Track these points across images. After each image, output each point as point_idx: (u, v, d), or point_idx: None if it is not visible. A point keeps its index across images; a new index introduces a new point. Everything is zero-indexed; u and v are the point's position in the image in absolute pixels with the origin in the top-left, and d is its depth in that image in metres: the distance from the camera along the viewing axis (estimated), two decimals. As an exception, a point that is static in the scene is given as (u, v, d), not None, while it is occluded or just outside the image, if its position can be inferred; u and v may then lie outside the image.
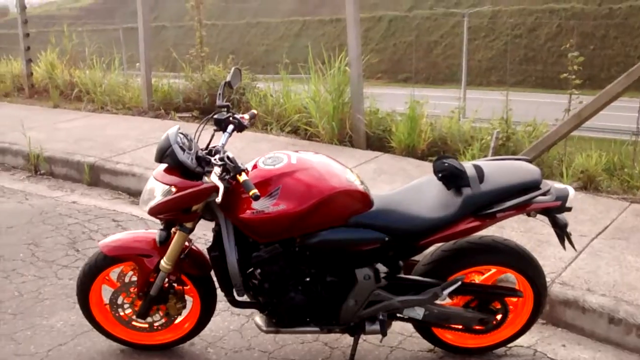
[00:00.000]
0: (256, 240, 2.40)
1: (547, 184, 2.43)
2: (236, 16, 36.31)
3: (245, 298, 2.55)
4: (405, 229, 2.39)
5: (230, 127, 2.49)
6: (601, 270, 3.16)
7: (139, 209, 2.63)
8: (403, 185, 2.63)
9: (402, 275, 2.54)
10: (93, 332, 2.79)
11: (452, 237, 2.44)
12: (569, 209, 2.41)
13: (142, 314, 2.63)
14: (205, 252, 2.55)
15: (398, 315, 2.55)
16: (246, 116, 2.63)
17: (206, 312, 2.70)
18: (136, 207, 4.43)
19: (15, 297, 3.23)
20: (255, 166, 2.42)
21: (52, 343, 2.83)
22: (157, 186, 2.38)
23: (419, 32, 32.16)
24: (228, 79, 2.59)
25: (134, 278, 2.62)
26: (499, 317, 2.62)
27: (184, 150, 2.32)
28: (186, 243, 2.55)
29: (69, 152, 5.47)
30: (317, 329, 2.54)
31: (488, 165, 2.51)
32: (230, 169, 2.24)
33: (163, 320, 2.70)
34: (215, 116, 2.50)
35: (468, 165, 2.45)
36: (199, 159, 2.37)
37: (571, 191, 2.41)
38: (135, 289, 2.61)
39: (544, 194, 2.37)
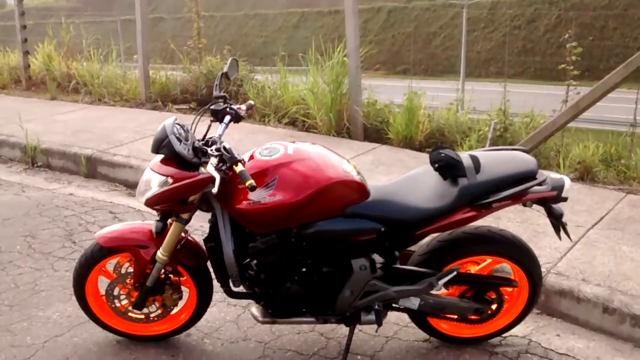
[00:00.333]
0: (252, 230, 2.41)
1: (543, 174, 2.43)
2: (234, 7, 36.23)
3: (241, 289, 2.55)
4: (401, 219, 2.40)
5: (227, 117, 2.49)
6: (596, 261, 3.17)
7: (136, 200, 2.63)
8: (399, 176, 2.63)
9: (398, 266, 2.55)
10: (89, 323, 2.80)
11: (448, 228, 2.44)
12: (565, 199, 2.41)
13: (138, 305, 2.63)
14: (201, 243, 2.55)
15: (394, 305, 2.56)
16: (243, 107, 2.63)
17: (202, 303, 2.71)
18: (133, 199, 4.43)
19: (11, 289, 3.24)
20: (251, 157, 2.41)
21: (48, 334, 2.84)
22: (154, 177, 2.38)
23: (417, 23, 32.09)
24: (225, 69, 2.59)
25: (130, 269, 2.62)
26: (494, 307, 2.63)
27: (180, 141, 2.32)
28: (182, 234, 2.55)
29: (66, 144, 5.47)
30: (313, 319, 2.55)
31: (484, 155, 2.51)
32: (227, 160, 2.24)
33: (159, 311, 2.70)
34: (212, 107, 2.50)
35: (464, 156, 2.45)
36: (195, 149, 2.36)
37: (567, 181, 2.42)
38: (132, 280, 2.61)
39: (540, 184, 2.38)
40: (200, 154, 2.35)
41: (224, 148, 2.26)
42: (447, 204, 2.37)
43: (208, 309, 2.77)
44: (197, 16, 7.64)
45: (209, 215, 2.50)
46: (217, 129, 2.44)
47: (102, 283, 2.70)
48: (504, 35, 28.91)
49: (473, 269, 2.64)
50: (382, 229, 2.39)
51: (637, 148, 4.75)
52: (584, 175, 4.52)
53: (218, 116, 2.48)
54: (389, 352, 2.71)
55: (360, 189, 2.41)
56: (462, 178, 2.39)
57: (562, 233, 2.48)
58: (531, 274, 2.56)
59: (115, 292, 2.67)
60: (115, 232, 2.59)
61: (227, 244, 2.39)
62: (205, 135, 2.47)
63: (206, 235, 2.50)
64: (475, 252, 2.56)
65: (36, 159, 5.48)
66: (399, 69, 26.35)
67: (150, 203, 2.38)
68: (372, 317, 2.50)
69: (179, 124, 2.38)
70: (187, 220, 2.48)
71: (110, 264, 2.67)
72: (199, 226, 3.52)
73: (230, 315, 3.00)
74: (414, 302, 2.52)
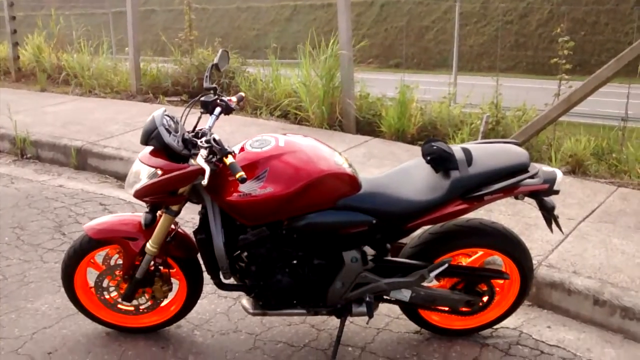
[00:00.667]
0: (243, 223, 2.39)
1: (535, 167, 2.42)
2: (226, 0, 36.00)
3: (232, 281, 2.54)
4: (392, 212, 2.39)
5: (217, 109, 2.46)
6: (587, 253, 3.18)
7: (125, 192, 2.61)
8: (391, 169, 2.62)
9: (390, 258, 2.54)
10: (78, 315, 2.78)
11: (440, 220, 2.44)
12: (557, 192, 2.41)
13: (128, 297, 2.61)
14: (192, 235, 2.53)
15: (385, 297, 2.56)
16: (234, 99, 2.60)
17: (193, 295, 2.69)
18: (124, 191, 4.36)
19: None
20: (242, 149, 2.39)
21: (36, 326, 2.81)
22: (143, 169, 2.36)
23: (410, 17, 32.05)
24: (215, 61, 2.56)
25: (120, 261, 2.59)
26: (485, 299, 2.63)
27: (170, 132, 2.30)
28: (172, 226, 2.54)
29: (56, 136, 5.42)
30: (303, 311, 2.54)
31: (476, 148, 2.50)
32: (217, 152, 2.22)
33: (149, 303, 2.69)
34: (202, 98, 2.47)
35: (456, 148, 2.45)
36: (185, 141, 2.34)
37: (559, 174, 2.42)
38: (121, 272, 2.59)
39: (531, 177, 2.38)
40: (190, 145, 2.33)
41: (214, 140, 2.25)
42: (438, 197, 2.37)
43: (198, 301, 2.75)
44: (189, 8, 7.58)
45: (200, 207, 2.48)
46: (207, 121, 2.41)
47: (91, 275, 2.68)
48: (497, 30, 28.93)
49: (464, 262, 2.64)
50: (374, 222, 2.38)
51: (628, 142, 4.77)
52: (576, 168, 4.53)
53: (208, 108, 2.45)
54: (380, 343, 2.71)
55: (351, 182, 2.40)
56: (454, 171, 2.38)
57: (553, 226, 2.48)
58: (522, 267, 2.56)
59: (105, 284, 2.65)
60: (105, 223, 2.57)
61: (217, 236, 2.37)
62: (195, 127, 2.44)
63: (196, 227, 2.48)
64: (466, 245, 2.56)
65: (25, 150, 5.43)
66: (392, 62, 26.29)
67: (140, 195, 2.36)
68: (363, 309, 2.49)
69: (168, 116, 2.36)
70: (177, 212, 2.46)
71: (99, 255, 2.65)
72: (190, 218, 3.50)
73: (221, 307, 2.99)
74: (405, 294, 2.52)
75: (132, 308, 2.70)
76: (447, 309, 2.64)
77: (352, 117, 5.52)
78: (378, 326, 2.82)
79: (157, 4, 33.36)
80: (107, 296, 2.67)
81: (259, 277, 2.45)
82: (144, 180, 2.33)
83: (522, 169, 2.40)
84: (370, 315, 2.48)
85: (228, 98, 2.54)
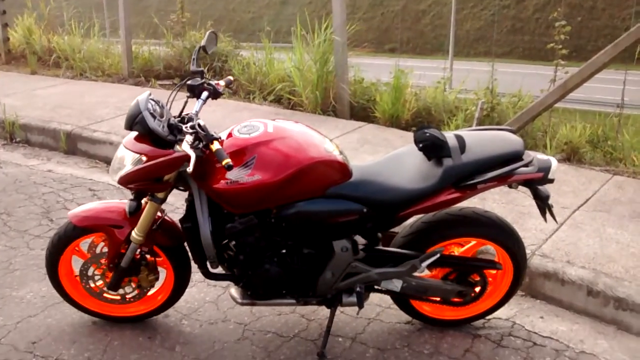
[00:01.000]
0: (231, 211, 2.33)
1: (529, 154, 2.37)
2: (222, -18, 35.59)
3: (219, 270, 2.49)
4: (384, 200, 2.34)
5: (205, 93, 2.39)
6: (581, 243, 3.14)
7: (110, 178, 2.54)
8: (383, 156, 2.56)
9: (381, 247, 2.49)
10: (64, 304, 2.73)
11: (432, 209, 2.38)
12: (552, 181, 2.36)
13: (114, 286, 2.56)
14: (178, 223, 2.47)
15: (376, 287, 2.51)
16: (222, 82, 2.53)
17: (180, 283, 2.64)
18: (113, 177, 4.33)
19: (-15, 268, 3.15)
20: (230, 135, 2.33)
21: (21, 314, 2.76)
22: (127, 155, 2.29)
23: (406, 1, 31.79)
24: (203, 43, 2.49)
25: (105, 249, 2.53)
26: (477, 289, 2.59)
27: (154, 117, 2.22)
28: (159, 214, 2.48)
29: (45, 120, 5.33)
30: (293, 301, 2.49)
31: (470, 135, 2.44)
32: (202, 138, 2.16)
33: (135, 292, 2.64)
34: (189, 82, 2.40)
35: (449, 136, 2.39)
36: (170, 126, 2.27)
37: (554, 163, 2.36)
38: (106, 261, 2.53)
39: (526, 165, 2.33)
40: (176, 131, 2.26)
41: (199, 125, 2.18)
42: (431, 185, 2.31)
43: (187, 290, 2.71)
44: (182, -11, 7.47)
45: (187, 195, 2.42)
46: (194, 105, 2.34)
47: (77, 263, 2.62)
48: (493, 14, 28.76)
49: (457, 251, 2.59)
50: (365, 210, 2.32)
51: (624, 129, 4.72)
52: (571, 156, 4.49)
53: (195, 92, 2.38)
54: (371, 334, 2.67)
55: (342, 169, 2.34)
56: (447, 158, 2.32)
57: (547, 215, 2.44)
58: (515, 257, 2.52)
59: (90, 273, 2.59)
60: (89, 211, 2.51)
61: (204, 224, 2.31)
62: (181, 111, 2.37)
63: (183, 215, 2.42)
64: (459, 234, 2.51)
65: (14, 134, 5.34)
66: (387, 47, 26.15)
67: (124, 181, 2.29)
68: (353, 299, 2.45)
69: (153, 100, 2.28)
70: (163, 200, 2.40)
71: (84, 243, 2.59)
72: (180, 205, 3.44)
73: (209, 295, 2.94)
74: (397, 284, 2.48)
75: (118, 297, 2.65)
76: (438, 299, 2.60)
77: (346, 102, 5.45)
78: (369, 316, 2.78)
79: (152, -15, 32.97)
80: (92, 285, 2.61)
81: (247, 267, 2.40)
82: (128, 167, 2.27)
83: (516, 156, 2.34)
84: (361, 306, 2.44)
85: (216, 82, 2.47)
